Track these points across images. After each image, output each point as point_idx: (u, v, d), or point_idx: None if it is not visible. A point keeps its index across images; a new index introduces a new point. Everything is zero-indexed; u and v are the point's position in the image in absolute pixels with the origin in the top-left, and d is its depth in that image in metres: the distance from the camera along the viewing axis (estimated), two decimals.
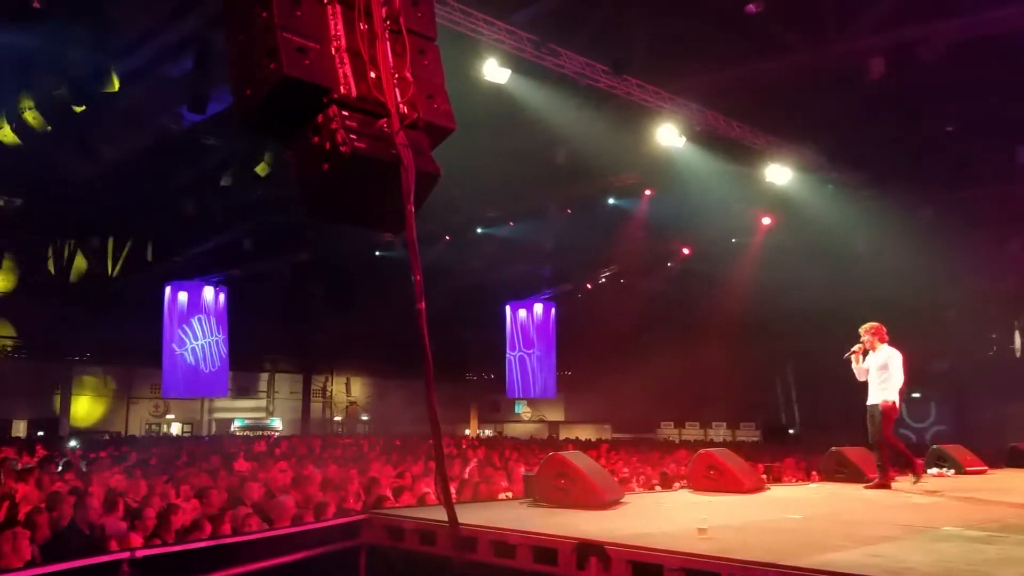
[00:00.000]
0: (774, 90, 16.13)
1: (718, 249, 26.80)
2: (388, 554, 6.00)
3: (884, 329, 9.23)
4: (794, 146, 18.11)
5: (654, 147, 16.93)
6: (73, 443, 26.48)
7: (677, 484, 10.68)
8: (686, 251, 28.11)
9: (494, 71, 14.07)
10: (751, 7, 12.80)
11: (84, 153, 19.84)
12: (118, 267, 31.74)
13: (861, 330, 9.28)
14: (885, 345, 9.11)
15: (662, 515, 6.71)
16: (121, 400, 37.49)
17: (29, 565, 5.89)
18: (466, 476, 13.07)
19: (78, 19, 13.14)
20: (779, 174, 18.32)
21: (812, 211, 20.13)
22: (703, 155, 17.46)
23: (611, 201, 24.07)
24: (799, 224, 21.97)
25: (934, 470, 10.68)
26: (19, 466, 13.92)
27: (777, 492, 8.28)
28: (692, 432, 37.79)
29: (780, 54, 14.84)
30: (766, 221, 23.32)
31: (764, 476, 8.89)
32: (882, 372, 8.96)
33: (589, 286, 33.95)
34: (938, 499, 8.04)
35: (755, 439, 30.16)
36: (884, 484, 8.67)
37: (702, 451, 8.76)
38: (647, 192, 23.08)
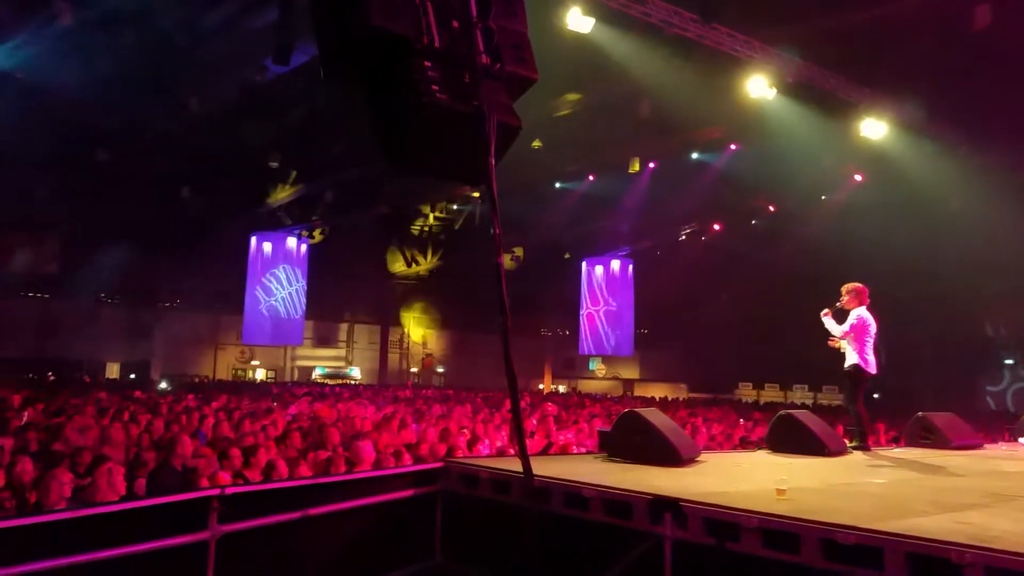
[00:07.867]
0: (872, 40, 15.42)
1: (805, 206, 26.07)
2: (463, 501, 6.12)
3: (866, 292, 8.91)
4: (892, 99, 17.31)
5: (743, 99, 16.39)
6: (163, 385, 27.67)
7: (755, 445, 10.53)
8: (772, 208, 27.45)
9: (578, 20, 13.83)
10: None
11: (171, 104, 20.34)
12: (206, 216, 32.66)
13: (842, 289, 8.99)
14: (860, 308, 8.80)
15: (740, 475, 6.63)
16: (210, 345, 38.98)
17: (124, 499, 6.17)
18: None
19: None
20: (874, 128, 17.58)
21: (906, 167, 19.32)
22: (794, 108, 16.85)
23: (695, 156, 23.57)
24: (892, 181, 21.15)
25: None
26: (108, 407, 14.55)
27: (860, 456, 8.10)
28: (772, 394, 36.91)
29: (879, 1, 14.19)
30: (857, 178, 22.54)
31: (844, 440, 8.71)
32: (850, 335, 8.75)
33: (669, 243, 33.48)
34: None
35: (838, 403, 29.50)
36: (863, 447, 8.54)
37: (782, 412, 8.62)
38: (732, 147, 22.53)
